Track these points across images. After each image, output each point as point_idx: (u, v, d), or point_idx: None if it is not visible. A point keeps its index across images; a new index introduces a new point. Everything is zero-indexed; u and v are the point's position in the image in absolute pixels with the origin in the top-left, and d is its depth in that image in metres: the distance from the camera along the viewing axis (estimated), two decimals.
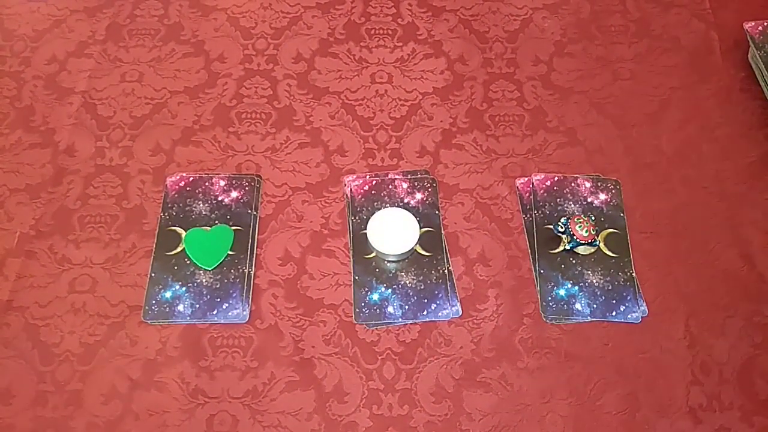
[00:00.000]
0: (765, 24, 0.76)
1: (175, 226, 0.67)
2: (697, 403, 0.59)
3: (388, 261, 0.65)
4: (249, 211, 0.68)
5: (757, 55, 0.74)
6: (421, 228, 0.65)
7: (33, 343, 0.61)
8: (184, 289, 0.64)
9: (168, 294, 0.64)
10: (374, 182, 0.69)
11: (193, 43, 0.80)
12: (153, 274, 0.65)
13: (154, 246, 0.66)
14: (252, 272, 0.65)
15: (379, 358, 0.61)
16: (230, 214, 0.68)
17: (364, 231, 0.65)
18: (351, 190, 0.69)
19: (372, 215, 0.65)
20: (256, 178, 0.70)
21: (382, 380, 0.60)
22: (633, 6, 0.82)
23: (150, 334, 0.62)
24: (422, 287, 0.64)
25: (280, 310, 0.63)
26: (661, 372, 0.61)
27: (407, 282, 0.64)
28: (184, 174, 0.70)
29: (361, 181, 0.69)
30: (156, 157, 0.72)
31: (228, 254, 0.65)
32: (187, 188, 0.70)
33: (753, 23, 0.76)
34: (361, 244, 0.66)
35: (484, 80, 0.77)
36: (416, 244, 0.64)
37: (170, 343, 0.62)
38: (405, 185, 0.69)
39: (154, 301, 0.63)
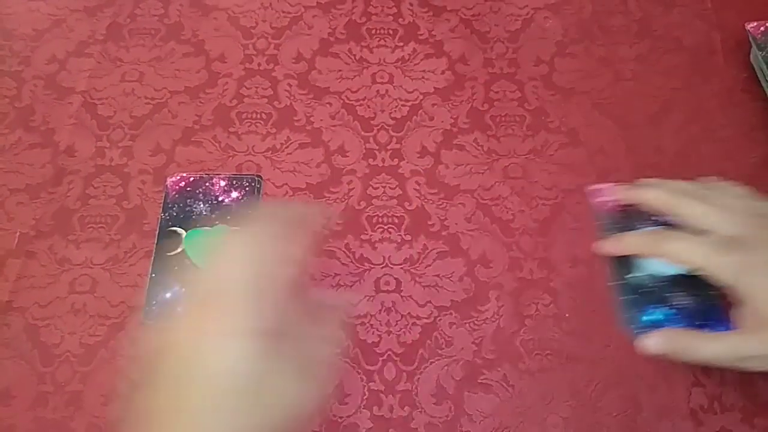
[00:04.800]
0: (767, 24, 0.76)
1: (175, 226, 0.67)
2: (699, 404, 0.59)
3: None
4: (249, 212, 0.68)
5: (759, 56, 0.74)
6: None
7: (33, 344, 0.61)
8: (184, 290, 0.64)
9: (168, 295, 0.63)
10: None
11: (193, 42, 0.79)
12: (153, 275, 0.65)
13: (155, 246, 0.66)
14: None
15: (380, 359, 0.61)
16: (231, 215, 0.68)
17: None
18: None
19: None
20: (256, 178, 0.70)
21: (383, 381, 0.60)
22: (635, 6, 0.82)
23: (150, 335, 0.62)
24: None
25: None
26: (663, 374, 0.60)
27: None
28: (185, 174, 0.70)
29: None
30: (156, 157, 0.72)
31: None
32: (188, 188, 0.69)
33: (755, 24, 0.76)
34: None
35: (486, 80, 0.77)
36: None
37: None
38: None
39: (154, 302, 0.63)
